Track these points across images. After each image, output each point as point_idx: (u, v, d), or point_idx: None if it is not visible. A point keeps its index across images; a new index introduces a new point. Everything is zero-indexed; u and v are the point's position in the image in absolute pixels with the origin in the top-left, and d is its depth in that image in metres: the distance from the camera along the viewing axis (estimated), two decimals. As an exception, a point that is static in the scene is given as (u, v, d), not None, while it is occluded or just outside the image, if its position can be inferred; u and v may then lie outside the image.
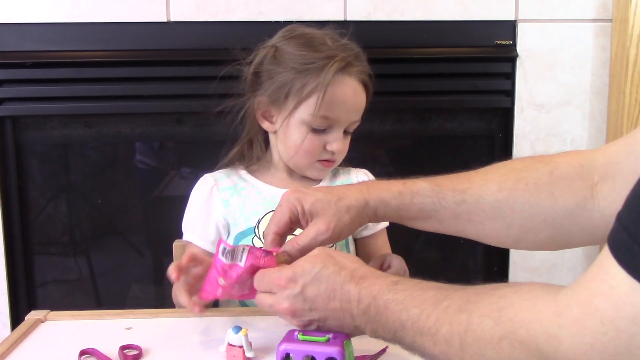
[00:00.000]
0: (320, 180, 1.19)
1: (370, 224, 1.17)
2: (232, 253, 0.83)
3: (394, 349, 0.87)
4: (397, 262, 1.05)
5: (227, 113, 1.18)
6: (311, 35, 1.12)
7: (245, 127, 1.20)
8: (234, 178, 1.18)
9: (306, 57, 1.10)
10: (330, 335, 0.76)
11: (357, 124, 1.14)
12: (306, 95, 1.08)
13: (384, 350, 0.83)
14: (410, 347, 0.70)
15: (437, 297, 0.69)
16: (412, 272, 1.65)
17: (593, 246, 1.59)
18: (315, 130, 1.11)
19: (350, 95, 1.10)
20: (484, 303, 0.63)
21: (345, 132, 1.13)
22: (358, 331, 0.76)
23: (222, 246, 0.84)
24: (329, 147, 1.11)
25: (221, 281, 0.83)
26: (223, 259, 0.83)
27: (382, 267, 1.05)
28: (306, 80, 1.08)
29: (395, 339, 0.72)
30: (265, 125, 1.15)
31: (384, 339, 0.74)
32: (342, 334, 0.77)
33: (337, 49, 1.10)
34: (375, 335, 0.74)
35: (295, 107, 1.10)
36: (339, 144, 1.11)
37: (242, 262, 0.82)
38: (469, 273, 1.67)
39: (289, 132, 1.12)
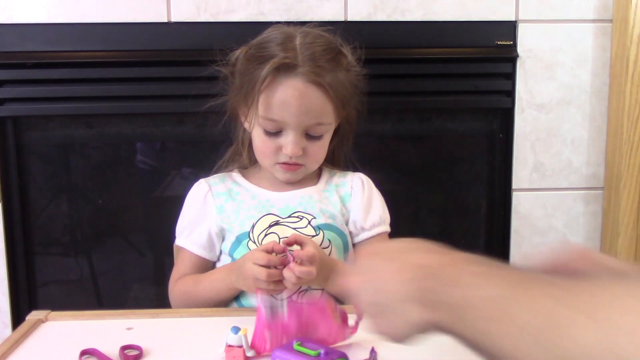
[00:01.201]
0: (316, 182, 1.18)
1: (366, 226, 1.16)
2: (271, 305, 0.84)
3: (384, 351, 0.87)
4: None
5: (222, 114, 1.19)
6: (286, 34, 1.11)
7: (235, 127, 1.21)
8: (228, 183, 1.17)
9: (260, 57, 1.08)
10: (322, 351, 0.76)
11: (324, 127, 1.11)
12: (253, 96, 1.07)
13: (373, 351, 0.83)
14: (469, 330, 0.57)
15: (520, 278, 0.56)
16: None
17: (594, 246, 1.59)
18: (268, 133, 1.09)
19: (295, 97, 1.06)
20: (584, 296, 0.50)
21: (310, 136, 1.10)
22: (407, 304, 0.62)
23: (260, 298, 0.86)
24: (283, 150, 1.09)
25: (267, 334, 0.83)
26: (264, 312, 0.84)
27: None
28: (254, 80, 1.07)
29: (451, 318, 0.59)
30: (246, 124, 1.15)
31: (434, 318, 0.60)
32: (336, 352, 0.77)
33: (297, 49, 1.07)
34: (423, 306, 0.60)
35: (250, 108, 1.09)
36: (292, 147, 1.08)
37: (285, 315, 0.83)
38: (470, 273, 1.67)
39: (252, 132, 1.13)
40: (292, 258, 0.96)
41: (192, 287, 1.11)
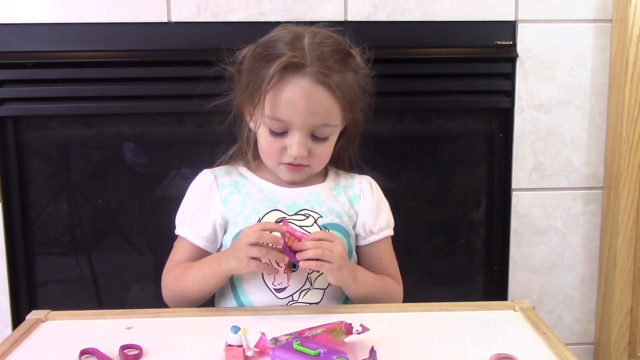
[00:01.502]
0: (323, 179, 1.18)
1: (375, 230, 1.16)
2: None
3: (384, 351, 0.87)
4: (336, 235, 1.05)
5: (227, 113, 1.19)
6: (294, 33, 1.10)
7: (240, 126, 1.20)
8: (234, 175, 1.17)
9: (268, 56, 1.07)
10: (322, 351, 0.76)
11: (330, 128, 1.10)
12: (259, 94, 1.06)
13: (373, 350, 0.83)
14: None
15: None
16: (411, 272, 1.65)
17: (593, 246, 1.59)
18: (274, 133, 1.08)
19: (302, 97, 1.05)
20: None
21: (316, 137, 1.09)
22: None
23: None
24: (289, 151, 1.08)
25: None
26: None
27: None
28: (261, 79, 1.06)
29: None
30: (251, 124, 1.13)
31: None
32: (336, 352, 0.77)
33: (305, 48, 1.06)
34: None
35: (256, 107, 1.08)
36: (298, 148, 1.07)
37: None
38: (469, 273, 1.67)
39: (258, 132, 1.12)
40: (302, 236, 0.99)
41: (181, 274, 1.10)
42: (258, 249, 0.98)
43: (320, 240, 1.00)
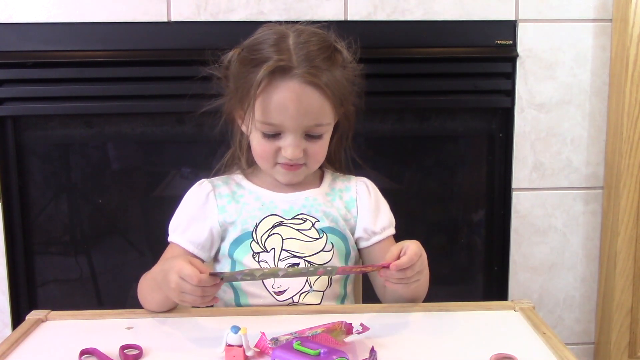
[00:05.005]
0: (319, 184, 1.18)
1: (377, 230, 1.15)
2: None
3: (384, 351, 0.87)
4: (413, 247, 0.96)
5: (219, 116, 1.18)
6: (279, 34, 1.08)
7: (232, 130, 1.20)
8: (232, 185, 1.16)
9: (253, 60, 1.06)
10: (322, 351, 0.76)
11: (323, 127, 1.08)
12: (248, 100, 1.05)
13: (373, 350, 0.83)
14: None
15: None
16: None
17: (593, 245, 1.59)
18: (267, 136, 1.07)
19: (292, 99, 1.03)
20: None
21: (310, 136, 1.08)
22: None
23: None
24: (283, 153, 1.07)
25: None
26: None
27: (399, 256, 0.95)
28: (249, 84, 1.05)
29: None
30: (243, 127, 1.12)
31: None
32: (336, 352, 0.77)
33: (291, 49, 1.05)
34: None
35: (247, 112, 1.06)
36: (292, 151, 1.06)
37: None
38: (469, 273, 1.67)
39: (250, 136, 1.11)
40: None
41: (142, 280, 1.06)
42: (189, 286, 0.89)
43: (408, 267, 0.95)
